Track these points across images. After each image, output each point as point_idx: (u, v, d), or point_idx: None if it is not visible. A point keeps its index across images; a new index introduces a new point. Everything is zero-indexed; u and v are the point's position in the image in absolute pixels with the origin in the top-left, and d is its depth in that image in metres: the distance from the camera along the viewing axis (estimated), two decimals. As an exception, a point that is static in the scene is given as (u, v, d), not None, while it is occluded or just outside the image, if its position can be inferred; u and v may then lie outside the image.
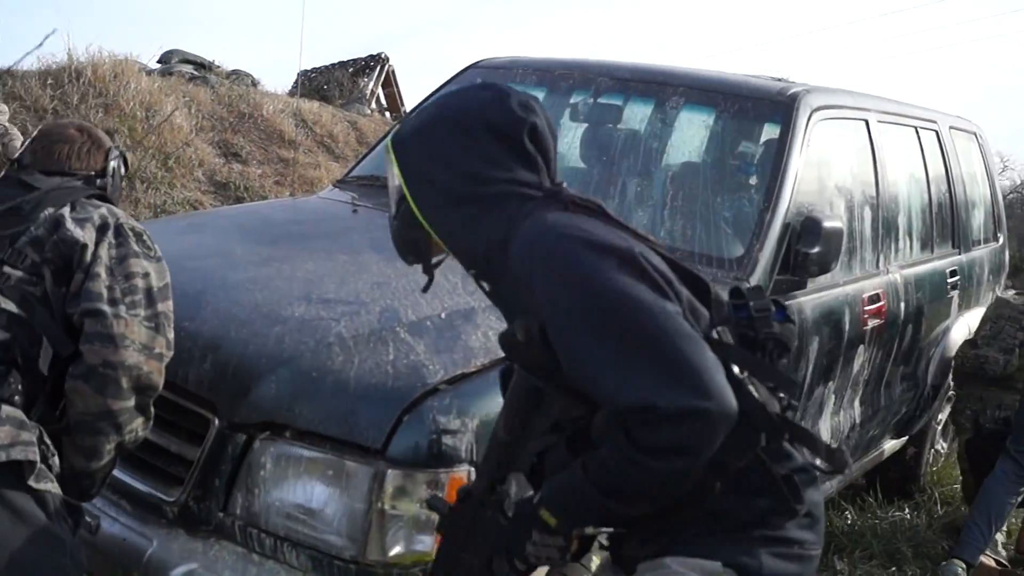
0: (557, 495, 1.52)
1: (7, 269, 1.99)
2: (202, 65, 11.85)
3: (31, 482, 1.87)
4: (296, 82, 14.13)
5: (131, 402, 2.00)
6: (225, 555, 2.20)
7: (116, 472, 2.43)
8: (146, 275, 2.06)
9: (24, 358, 1.97)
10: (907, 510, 4.40)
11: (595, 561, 1.77)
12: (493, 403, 2.05)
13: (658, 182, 3.30)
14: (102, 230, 2.06)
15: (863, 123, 3.75)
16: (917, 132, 4.35)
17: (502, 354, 1.68)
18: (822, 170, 3.40)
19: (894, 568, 3.91)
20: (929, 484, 4.76)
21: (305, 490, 2.18)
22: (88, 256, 2.00)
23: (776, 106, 3.34)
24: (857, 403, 3.77)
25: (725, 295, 1.66)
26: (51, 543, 1.89)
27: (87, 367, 1.94)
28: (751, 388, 1.52)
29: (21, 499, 1.86)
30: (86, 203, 2.12)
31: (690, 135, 3.51)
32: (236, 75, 12.09)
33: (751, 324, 1.62)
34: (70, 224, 2.03)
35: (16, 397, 1.93)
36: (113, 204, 2.21)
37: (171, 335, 2.08)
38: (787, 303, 1.73)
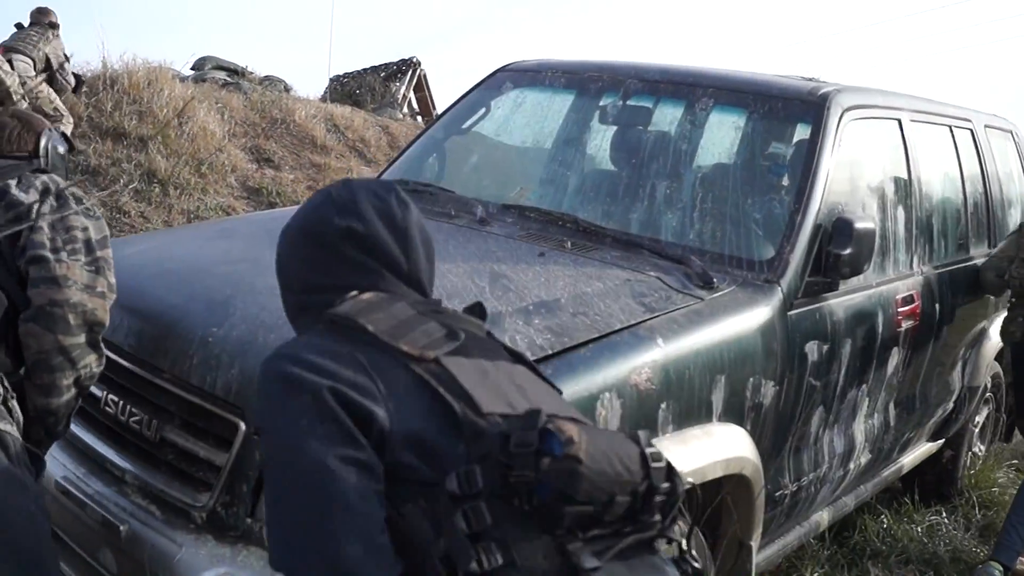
0: None
1: None
2: (235, 71, 11.96)
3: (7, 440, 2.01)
4: (327, 87, 14.24)
5: (81, 338, 2.20)
6: (253, 560, 2.19)
7: (146, 477, 2.48)
8: (85, 228, 2.29)
9: None
10: (944, 514, 4.34)
11: None
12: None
13: (688, 184, 3.28)
14: (44, 193, 2.30)
15: (896, 122, 3.71)
16: (951, 131, 4.28)
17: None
18: (854, 170, 3.36)
19: (931, 573, 3.85)
20: (967, 487, 4.69)
21: None
22: (33, 214, 2.23)
23: (807, 106, 3.30)
24: (892, 406, 3.72)
25: (495, 423, 1.46)
26: (14, 485, 2.01)
27: (35, 308, 2.14)
28: (435, 561, 1.40)
29: None
30: (29, 175, 2.37)
31: (720, 136, 3.49)
32: (268, 81, 12.19)
33: (511, 464, 1.42)
34: (15, 190, 2.28)
35: None
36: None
37: (112, 279, 2.30)
38: (565, 432, 1.43)
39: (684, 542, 1.75)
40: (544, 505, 1.41)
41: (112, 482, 2.58)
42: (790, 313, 2.88)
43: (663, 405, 2.42)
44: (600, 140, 3.67)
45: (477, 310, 1.76)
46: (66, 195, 2.34)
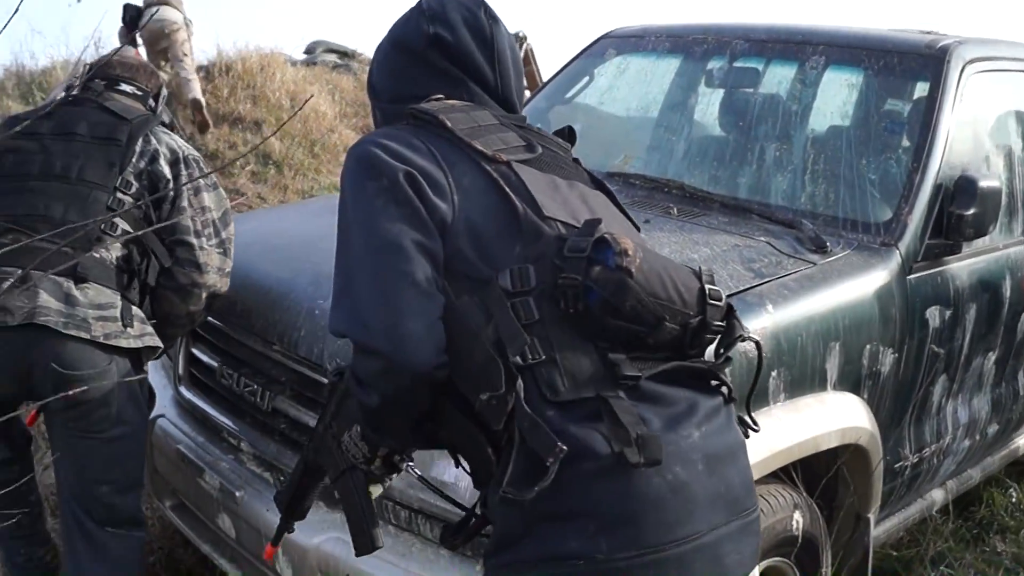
0: (355, 407, 1.59)
1: (119, 195, 2.49)
2: (345, 54, 12.12)
3: (146, 366, 2.55)
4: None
5: (203, 306, 2.63)
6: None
7: (260, 445, 2.55)
8: (212, 208, 2.62)
9: (137, 270, 2.51)
10: (1081, 487, 4.12)
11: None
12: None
13: (799, 145, 3.17)
14: (175, 164, 2.59)
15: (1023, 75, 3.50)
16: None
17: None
18: (977, 126, 3.19)
19: (1066, 550, 3.66)
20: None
21: (439, 464, 2.19)
22: (171, 189, 2.55)
23: (925, 61, 3.14)
24: (1022, 374, 3.53)
25: (554, 227, 1.49)
26: (144, 424, 2.57)
27: (179, 284, 2.56)
28: (487, 345, 1.44)
29: (135, 384, 2.47)
30: (158, 132, 2.63)
31: (833, 95, 3.35)
32: (378, 62, 12.30)
33: (563, 266, 1.45)
34: (162, 161, 2.56)
35: (135, 298, 2.50)
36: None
37: (232, 255, 2.67)
38: (621, 244, 1.44)
39: (746, 407, 1.75)
40: (590, 312, 1.43)
41: (229, 450, 2.67)
42: (909, 277, 2.76)
43: (774, 373, 2.35)
44: (707, 104, 3.58)
45: (566, 132, 1.76)
46: (191, 161, 2.64)
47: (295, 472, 1.85)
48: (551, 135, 1.73)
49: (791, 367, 2.39)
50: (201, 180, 2.59)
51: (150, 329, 2.52)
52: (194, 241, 2.55)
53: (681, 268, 1.56)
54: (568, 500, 1.43)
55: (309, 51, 11.69)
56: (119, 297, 2.45)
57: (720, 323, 1.56)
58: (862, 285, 2.63)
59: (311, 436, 1.81)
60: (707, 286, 1.54)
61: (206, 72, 8.61)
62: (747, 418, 1.73)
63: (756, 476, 2.27)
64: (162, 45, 7.81)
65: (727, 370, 1.61)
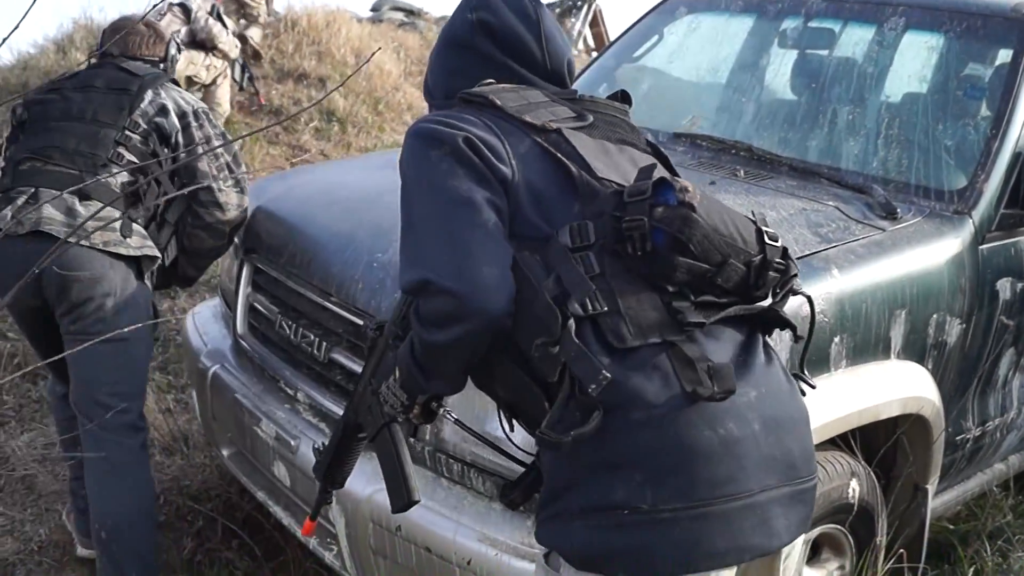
0: (401, 352, 1.64)
1: (127, 132, 2.77)
2: (411, 11, 12.09)
3: (145, 276, 2.77)
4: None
5: (227, 240, 2.97)
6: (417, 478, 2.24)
7: (316, 396, 2.57)
8: (230, 149, 2.91)
9: (143, 194, 2.79)
10: None
11: None
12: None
13: (873, 109, 3.07)
14: (183, 116, 2.85)
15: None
16: None
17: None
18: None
19: None
20: None
21: (494, 418, 2.18)
22: (183, 138, 2.83)
23: (1010, 25, 3.02)
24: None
25: (608, 186, 1.55)
26: (145, 332, 2.75)
27: (205, 223, 2.89)
28: (547, 296, 1.48)
29: (140, 288, 2.75)
30: (168, 87, 2.90)
31: (911, 59, 3.24)
32: (443, 20, 12.27)
33: (624, 214, 1.48)
34: (171, 114, 2.83)
35: (140, 220, 2.77)
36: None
37: (247, 191, 2.98)
38: (680, 183, 1.50)
39: (800, 365, 1.78)
40: (657, 253, 1.46)
41: (286, 400, 2.69)
42: (981, 247, 2.68)
43: (836, 339, 2.30)
44: (779, 66, 3.49)
45: (620, 95, 1.79)
46: (201, 114, 2.90)
47: (334, 435, 1.88)
48: (605, 100, 1.76)
49: (854, 334, 2.33)
50: (211, 129, 2.90)
51: (150, 243, 2.78)
52: (213, 184, 2.85)
53: (735, 211, 1.58)
54: (616, 449, 1.45)
55: (375, 8, 11.69)
56: (119, 214, 2.71)
57: (780, 261, 1.57)
58: (932, 253, 2.56)
59: (351, 397, 1.84)
60: (764, 228, 1.57)
61: (272, 28, 8.65)
62: (803, 375, 1.74)
63: (816, 441, 2.22)
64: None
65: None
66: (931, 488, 2.70)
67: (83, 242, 2.61)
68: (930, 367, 2.56)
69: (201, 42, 6.73)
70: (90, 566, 3.07)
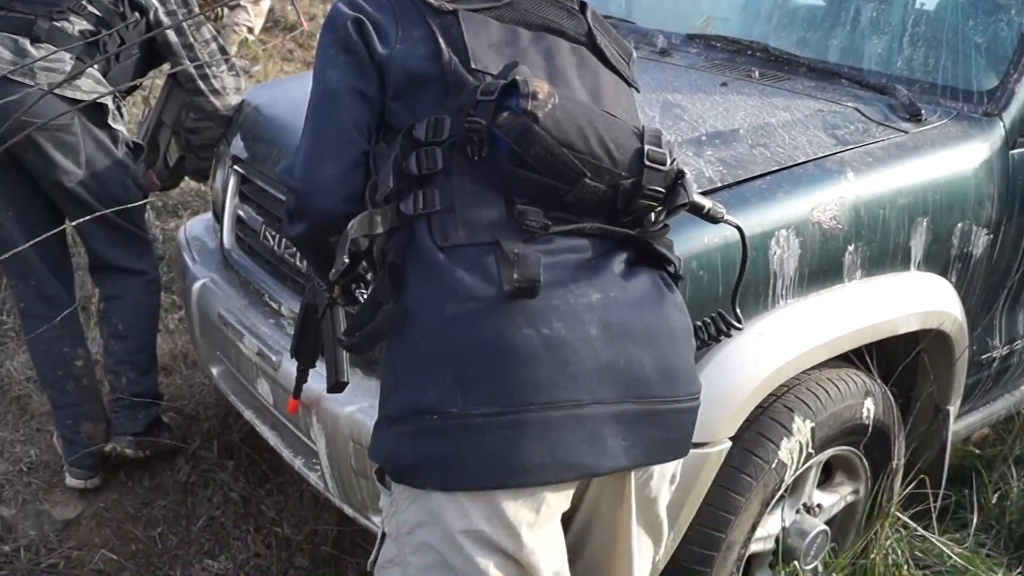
0: None
1: None
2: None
3: (109, 121, 2.81)
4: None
5: (227, 125, 2.97)
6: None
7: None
8: (215, 37, 2.93)
9: (103, 45, 2.78)
10: None
11: None
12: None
13: (898, 4, 2.85)
14: (168, 1, 2.85)
15: None
16: None
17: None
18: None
19: None
20: None
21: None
22: (164, 17, 2.84)
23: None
24: None
25: (480, 78, 1.44)
26: (120, 166, 2.85)
27: (209, 112, 2.92)
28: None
29: (101, 133, 2.80)
30: None
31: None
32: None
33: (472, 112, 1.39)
34: None
35: (96, 66, 2.77)
36: None
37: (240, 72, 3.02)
38: (531, 87, 1.37)
39: (732, 301, 1.68)
40: (497, 161, 1.38)
41: (271, 315, 2.58)
42: (1012, 152, 2.48)
43: (850, 248, 2.13)
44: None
45: None
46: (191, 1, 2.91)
47: (298, 317, 1.81)
48: None
49: (870, 242, 2.16)
50: (200, 16, 2.90)
51: (104, 90, 2.78)
52: (208, 72, 2.87)
53: (618, 124, 1.45)
54: (429, 346, 1.36)
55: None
56: (72, 58, 2.71)
57: (658, 188, 1.43)
58: (958, 158, 2.37)
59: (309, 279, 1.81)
60: (648, 147, 1.42)
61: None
62: (730, 315, 1.65)
63: (824, 356, 2.12)
64: None
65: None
66: (953, 410, 2.55)
67: (27, 80, 2.61)
68: (954, 280, 2.39)
69: None
70: (79, 492, 3.04)
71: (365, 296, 1.60)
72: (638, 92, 1.68)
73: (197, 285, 2.82)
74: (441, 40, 1.47)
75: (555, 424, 1.33)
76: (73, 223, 2.86)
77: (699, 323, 1.64)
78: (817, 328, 2.07)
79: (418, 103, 1.47)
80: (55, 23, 2.69)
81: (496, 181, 1.40)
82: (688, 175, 1.49)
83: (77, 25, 2.73)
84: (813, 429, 2.14)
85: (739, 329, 1.67)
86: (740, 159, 2.13)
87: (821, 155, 2.19)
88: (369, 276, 1.64)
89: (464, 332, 1.34)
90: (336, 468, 2.19)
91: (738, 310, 1.69)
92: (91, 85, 2.75)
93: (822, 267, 2.08)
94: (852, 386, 2.22)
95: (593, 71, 1.57)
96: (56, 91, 2.59)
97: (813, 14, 3.02)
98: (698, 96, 2.51)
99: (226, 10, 6.50)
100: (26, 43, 2.66)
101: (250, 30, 6.54)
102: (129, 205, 2.74)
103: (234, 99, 2.95)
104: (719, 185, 2.02)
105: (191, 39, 2.87)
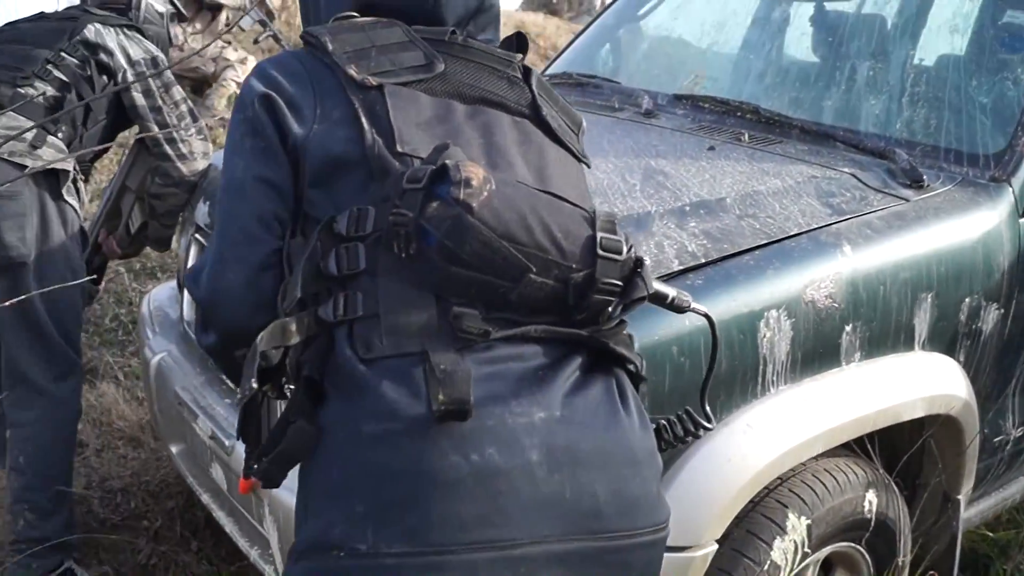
0: None
1: (62, 54, 2.71)
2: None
3: (63, 192, 2.65)
4: (523, -3, 13.86)
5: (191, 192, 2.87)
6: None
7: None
8: (184, 99, 2.84)
9: (72, 117, 2.70)
10: None
11: None
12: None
13: (897, 64, 2.71)
14: (132, 64, 2.78)
15: None
16: None
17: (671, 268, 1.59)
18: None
19: None
20: None
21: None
22: (134, 82, 2.75)
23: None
24: None
25: (407, 163, 1.28)
26: (64, 251, 2.66)
27: (175, 179, 2.81)
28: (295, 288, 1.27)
29: (52, 208, 2.63)
30: (122, 31, 2.81)
31: (942, 6, 2.87)
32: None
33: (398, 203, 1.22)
34: (117, 55, 2.77)
35: (60, 135, 2.66)
36: (143, 36, 2.90)
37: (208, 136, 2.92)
38: (464, 173, 1.20)
39: (700, 397, 1.52)
40: (427, 258, 1.20)
41: (227, 393, 2.41)
42: (1022, 220, 2.32)
43: (848, 328, 1.95)
44: (792, 20, 3.14)
45: (514, 41, 1.51)
46: (160, 60, 2.87)
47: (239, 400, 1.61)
48: (482, 46, 1.45)
49: (870, 321, 1.99)
50: (170, 75, 2.83)
51: (65, 157, 2.63)
52: (176, 136, 2.78)
53: (566, 210, 1.28)
54: (340, 471, 1.18)
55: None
56: (35, 126, 2.58)
57: (615, 281, 1.26)
58: (964, 227, 2.21)
59: None
60: (601, 235, 1.26)
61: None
62: (699, 413, 1.48)
63: (820, 449, 1.93)
64: None
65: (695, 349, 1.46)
66: (963, 498, 2.35)
67: None
68: (962, 360, 2.21)
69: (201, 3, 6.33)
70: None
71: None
72: (588, 167, 1.52)
73: (155, 359, 2.67)
74: (364, 120, 1.31)
75: (482, 568, 1.14)
76: None
77: (663, 421, 1.46)
78: (812, 418, 1.89)
79: (339, 191, 1.30)
80: (19, 89, 2.61)
81: (427, 281, 1.22)
82: (647, 263, 1.31)
83: (41, 90, 2.65)
84: (809, 526, 1.95)
85: (708, 429, 1.48)
86: (727, 231, 1.97)
87: (815, 227, 2.03)
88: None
89: (380, 456, 1.16)
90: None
91: (707, 407, 1.51)
92: (52, 154, 2.62)
93: (817, 350, 1.91)
94: (852, 477, 2.04)
95: (538, 147, 1.40)
96: (11, 159, 2.50)
97: (806, 73, 2.88)
98: (683, 161, 2.36)
99: (218, 67, 6.42)
100: None
101: (239, 85, 6.44)
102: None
103: (201, 164, 2.84)
104: (703, 261, 1.86)
105: (159, 101, 2.78)
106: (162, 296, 3.04)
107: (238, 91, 5.66)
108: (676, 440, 1.49)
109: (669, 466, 1.75)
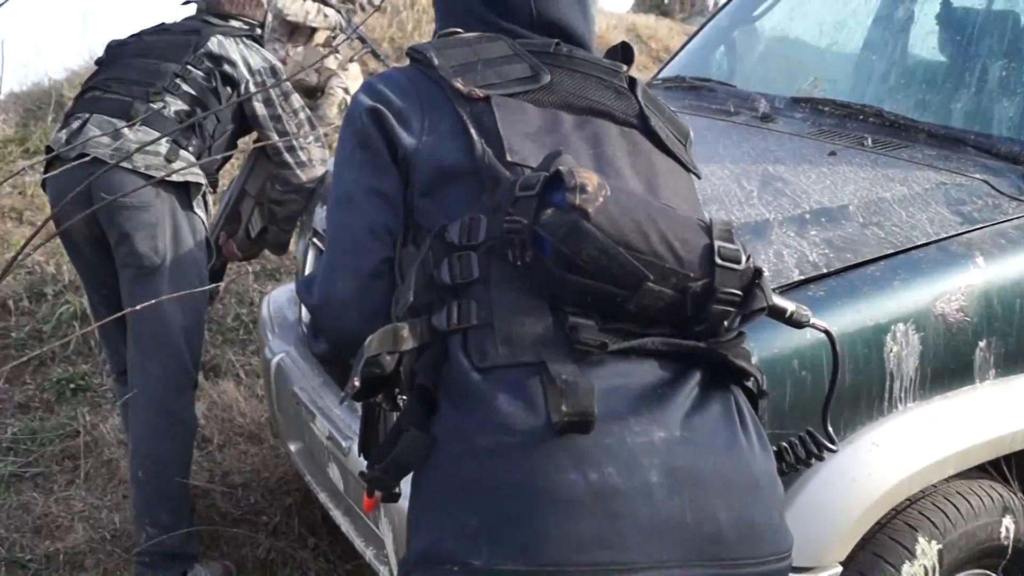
0: None
1: (189, 67, 2.80)
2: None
3: (194, 205, 2.74)
4: (636, -3, 13.77)
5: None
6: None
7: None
8: (303, 107, 2.93)
9: (200, 126, 2.79)
10: None
11: None
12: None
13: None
14: (255, 72, 2.87)
15: None
16: None
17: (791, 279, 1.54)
18: None
19: None
20: None
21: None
22: (257, 92, 2.83)
23: None
24: None
25: (517, 172, 1.27)
26: (193, 259, 2.75)
27: (295, 185, 2.91)
28: (409, 294, 1.27)
29: (182, 217, 2.72)
30: (245, 41, 2.92)
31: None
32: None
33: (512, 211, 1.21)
34: (240, 65, 2.86)
35: (191, 148, 2.75)
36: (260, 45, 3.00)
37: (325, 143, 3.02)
38: (578, 179, 1.18)
39: (822, 418, 1.46)
40: (543, 267, 1.19)
41: (344, 396, 2.45)
42: None
43: (981, 343, 1.88)
44: (918, 18, 3.02)
45: (620, 50, 1.52)
46: (279, 69, 2.96)
47: (361, 414, 1.63)
48: (589, 56, 1.45)
49: (1006, 336, 1.91)
50: (288, 83, 2.94)
51: (197, 170, 2.76)
52: (295, 143, 2.87)
53: (681, 218, 1.26)
54: (453, 484, 1.17)
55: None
56: (168, 141, 2.69)
57: (734, 291, 1.22)
58: (1106, 236, 2.10)
59: None
60: (719, 243, 1.23)
61: (390, 3, 8.49)
62: (821, 434, 1.44)
63: (955, 469, 1.86)
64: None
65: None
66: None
67: (125, 164, 2.59)
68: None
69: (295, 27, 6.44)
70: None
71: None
72: (698, 178, 1.50)
73: (274, 360, 2.74)
74: (473, 131, 1.31)
75: None
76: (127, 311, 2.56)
77: (784, 444, 1.42)
78: (943, 437, 1.82)
79: (449, 201, 1.30)
80: (151, 104, 2.71)
81: (542, 290, 1.21)
82: (766, 274, 1.28)
83: (172, 106, 2.74)
84: (940, 551, 1.87)
85: (832, 451, 1.44)
86: (849, 240, 1.91)
87: (944, 236, 1.96)
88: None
89: (495, 470, 1.15)
90: (402, 568, 2.04)
91: (830, 428, 1.46)
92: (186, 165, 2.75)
93: (948, 366, 1.84)
94: (987, 501, 1.95)
95: (647, 158, 1.39)
96: (148, 171, 2.63)
97: (933, 73, 2.78)
98: (802, 167, 2.30)
99: (322, 76, 6.56)
100: (123, 126, 2.66)
101: (346, 91, 6.56)
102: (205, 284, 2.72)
103: (319, 170, 2.92)
104: (824, 271, 1.81)
105: (279, 110, 2.86)
106: (281, 298, 3.12)
107: (347, 97, 5.83)
108: (797, 463, 1.45)
109: (791, 483, 1.71)
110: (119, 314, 2.46)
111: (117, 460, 3.44)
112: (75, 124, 2.70)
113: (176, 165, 2.69)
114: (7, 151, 5.76)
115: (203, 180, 2.79)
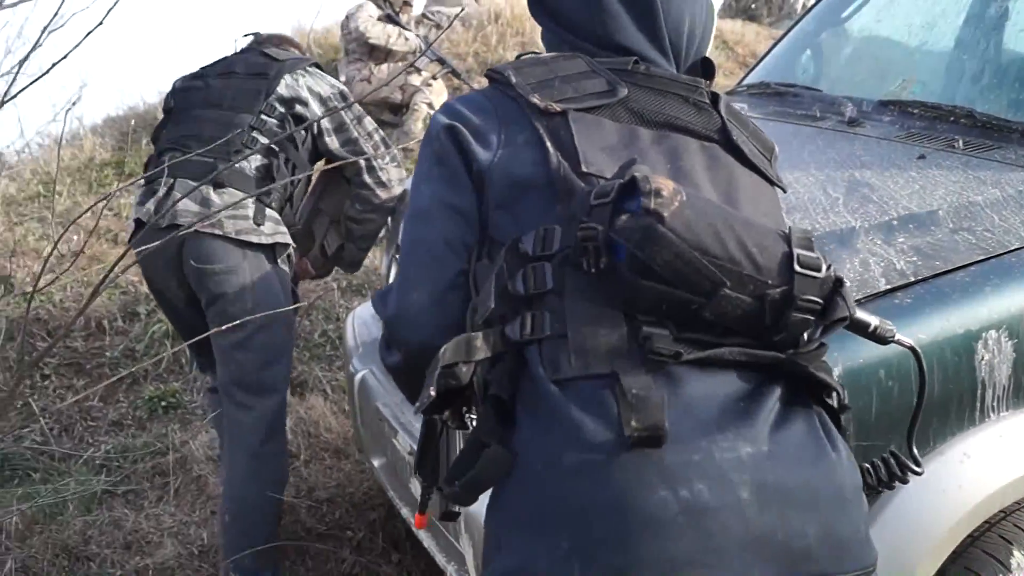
0: None
1: (263, 117, 2.80)
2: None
3: (279, 261, 2.79)
4: (723, 2, 13.66)
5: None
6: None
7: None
8: (377, 129, 2.97)
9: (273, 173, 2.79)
10: None
11: None
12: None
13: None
14: (324, 102, 2.88)
15: None
16: None
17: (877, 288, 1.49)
18: None
19: None
20: None
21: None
22: (324, 115, 2.83)
23: None
24: None
25: (592, 183, 1.27)
26: (286, 311, 2.75)
27: (375, 205, 2.96)
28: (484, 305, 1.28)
29: (270, 271, 2.76)
30: (309, 71, 2.93)
31: None
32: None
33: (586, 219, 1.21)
34: (311, 101, 2.87)
35: (274, 204, 2.80)
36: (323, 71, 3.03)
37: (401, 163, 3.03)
38: (653, 184, 1.17)
39: (908, 440, 1.42)
40: (618, 273, 1.17)
41: (426, 412, 2.46)
42: None
43: (1080, 364, 1.79)
44: (1012, 15, 2.91)
45: (701, 65, 1.50)
46: (336, 98, 2.94)
47: (420, 432, 1.63)
48: (670, 74, 1.44)
49: (1106, 345, 1.81)
50: (358, 106, 2.94)
51: (283, 229, 2.80)
52: (376, 164, 2.91)
53: (758, 225, 1.24)
54: (544, 503, 1.14)
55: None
56: (253, 200, 2.72)
57: (815, 299, 1.19)
58: None
59: None
60: (798, 251, 1.20)
61: (476, 21, 8.57)
62: (906, 455, 1.41)
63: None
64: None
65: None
66: None
67: (216, 231, 2.66)
68: None
69: (374, 47, 6.57)
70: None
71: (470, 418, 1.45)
72: (784, 192, 1.47)
73: (358, 376, 2.76)
74: (549, 143, 1.32)
75: None
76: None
77: (867, 465, 1.37)
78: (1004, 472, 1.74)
79: (524, 213, 1.31)
80: (233, 162, 2.72)
81: (616, 298, 1.20)
82: (847, 284, 1.25)
83: (253, 162, 2.77)
84: (1037, 566, 1.79)
85: (917, 473, 1.39)
86: (939, 247, 1.84)
87: (1040, 242, 1.87)
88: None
89: (582, 489, 1.12)
90: (483, 582, 2.03)
91: (915, 450, 1.41)
92: (272, 227, 2.77)
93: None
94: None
95: (728, 172, 1.36)
96: (239, 236, 2.69)
97: (956, 67, 2.67)
98: (890, 172, 2.23)
99: (406, 93, 6.66)
100: (209, 191, 2.69)
101: (430, 106, 6.65)
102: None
103: (398, 189, 2.97)
104: (912, 279, 1.75)
105: (353, 133, 2.90)
106: (365, 315, 3.15)
107: (431, 112, 5.95)
108: (880, 485, 1.40)
109: (878, 496, 1.65)
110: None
111: (206, 476, 3.52)
112: (161, 191, 2.72)
113: (265, 228, 2.74)
114: (104, 174, 6.00)
115: (290, 241, 2.83)
